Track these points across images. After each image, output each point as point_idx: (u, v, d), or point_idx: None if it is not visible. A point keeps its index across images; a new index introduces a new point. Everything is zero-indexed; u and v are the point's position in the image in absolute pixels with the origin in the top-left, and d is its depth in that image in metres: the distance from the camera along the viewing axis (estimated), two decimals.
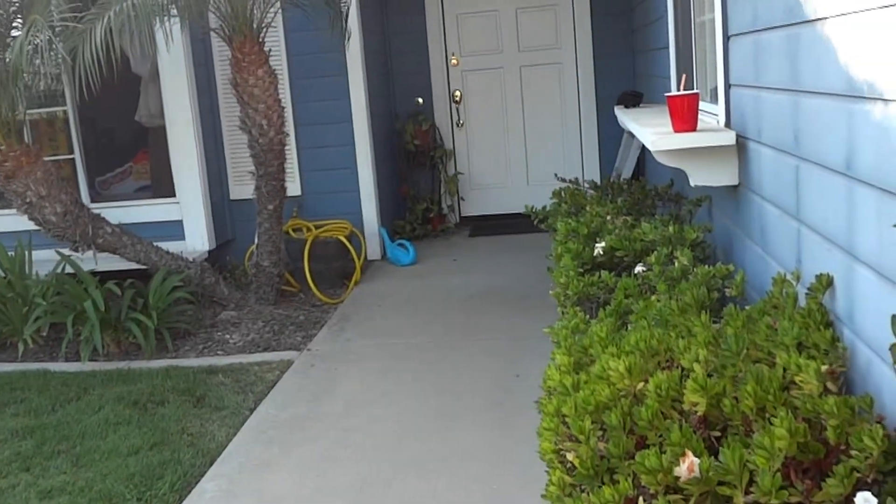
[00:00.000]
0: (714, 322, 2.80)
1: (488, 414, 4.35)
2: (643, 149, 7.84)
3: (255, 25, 5.93)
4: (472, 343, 5.42)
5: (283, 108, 6.27)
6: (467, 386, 4.73)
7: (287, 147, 6.46)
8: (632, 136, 8.05)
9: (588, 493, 2.02)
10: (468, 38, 8.99)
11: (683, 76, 4.42)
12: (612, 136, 8.71)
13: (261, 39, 6.02)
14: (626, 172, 7.61)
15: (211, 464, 4.04)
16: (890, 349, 1.44)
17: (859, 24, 2.40)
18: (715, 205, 4.55)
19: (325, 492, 3.74)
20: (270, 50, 6.19)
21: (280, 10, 6.41)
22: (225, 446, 4.24)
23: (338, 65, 7.35)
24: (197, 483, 3.90)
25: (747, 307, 2.92)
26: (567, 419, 2.20)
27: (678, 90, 3.99)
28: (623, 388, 2.30)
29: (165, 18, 5.47)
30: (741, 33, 3.79)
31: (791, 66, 3.05)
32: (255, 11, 5.90)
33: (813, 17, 2.77)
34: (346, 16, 6.52)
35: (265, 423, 4.50)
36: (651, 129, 4.09)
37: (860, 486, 2.00)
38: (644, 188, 5.79)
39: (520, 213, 8.60)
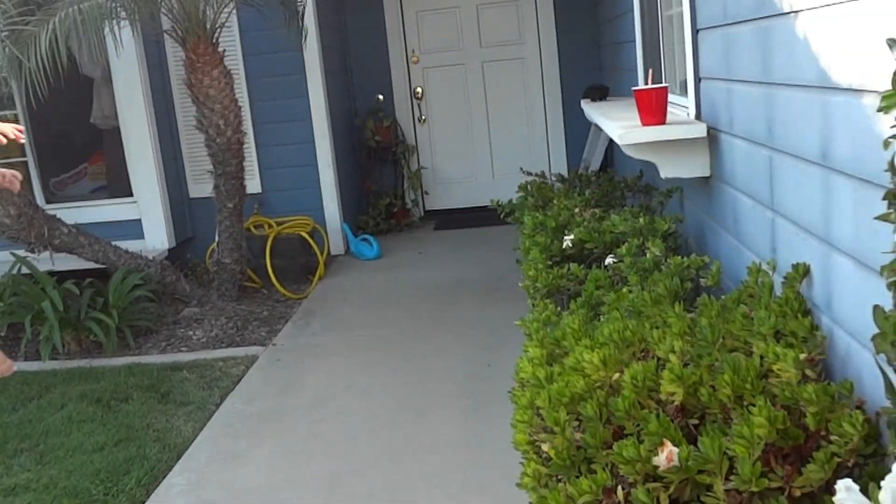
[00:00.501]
0: (689, 312, 2.80)
1: (459, 403, 4.35)
2: (611, 141, 7.87)
3: (208, 26, 5.89)
4: (441, 334, 5.40)
5: (241, 107, 6.25)
6: (437, 377, 4.72)
7: (246, 145, 6.43)
8: (599, 128, 8.08)
9: (564, 484, 2.00)
10: (429, 35, 8.97)
11: (650, 71, 4.43)
12: (578, 129, 8.72)
13: (215, 40, 5.98)
14: (595, 164, 7.62)
15: (178, 458, 4.00)
16: (872, 339, 1.43)
17: (835, 15, 2.41)
18: (686, 196, 4.56)
19: (296, 483, 3.72)
20: (225, 50, 6.16)
21: (234, 10, 6.34)
22: (192, 441, 4.20)
23: (295, 63, 7.32)
24: (164, 477, 3.86)
25: (722, 297, 2.92)
26: (541, 411, 2.18)
27: (645, 84, 3.98)
28: (598, 379, 2.29)
29: (114, 22, 5.43)
30: (710, 27, 3.79)
31: (763, 58, 3.06)
32: (207, 12, 5.86)
33: (786, 10, 2.77)
34: (303, 15, 6.48)
35: (232, 417, 4.46)
36: (618, 123, 4.09)
37: (841, 470, 2.01)
38: (613, 180, 5.80)
39: (485, 207, 8.63)
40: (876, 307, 1.47)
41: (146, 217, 7.00)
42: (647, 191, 5.51)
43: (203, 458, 4.02)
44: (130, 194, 7.01)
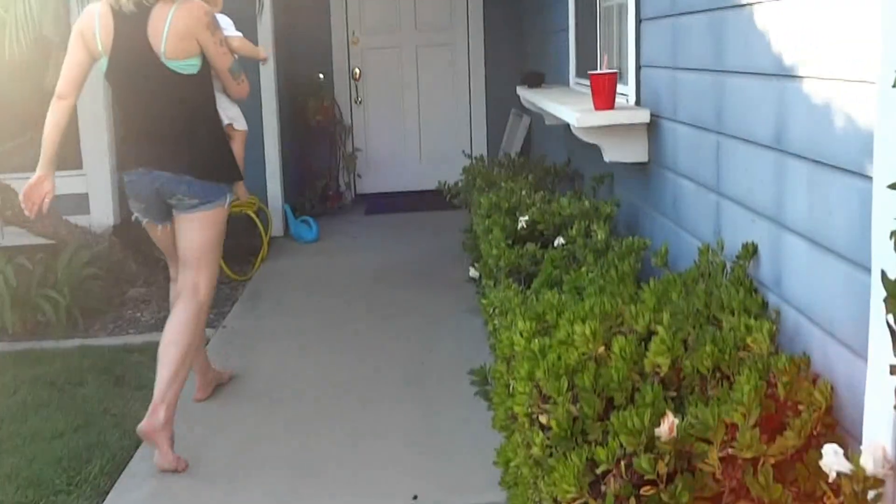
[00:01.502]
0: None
1: (407, 387, 4.45)
2: (530, 127, 8.05)
3: None
4: (384, 320, 5.49)
5: None
6: (384, 360, 4.81)
7: None
8: (519, 115, 8.26)
9: (566, 454, 2.13)
10: (369, 17, 9.03)
11: (605, 56, 4.58)
12: (498, 116, 8.91)
13: None
14: (514, 150, 7.79)
15: (138, 445, 3.94)
16: (883, 301, 1.59)
17: (795, 6, 2.57)
18: (617, 182, 4.73)
19: (258, 467, 3.75)
20: None
21: None
22: None
23: (249, 38, 7.21)
24: (127, 465, 3.82)
25: (675, 275, 3.07)
26: (540, 383, 2.30)
27: (600, 69, 4.13)
28: (587, 351, 2.42)
29: None
30: (656, 17, 3.96)
31: (715, 47, 3.22)
32: None
33: (742, 2, 2.94)
34: None
35: (189, 401, 4.41)
36: (571, 107, 4.23)
37: (809, 439, 2.18)
38: (544, 166, 5.97)
39: (413, 191, 8.79)
40: (883, 273, 1.63)
41: (94, 191, 6.82)
42: (573, 177, 5.70)
43: None
44: (80, 167, 6.83)
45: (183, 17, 3.73)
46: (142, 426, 3.69)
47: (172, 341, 3.84)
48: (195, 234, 3.94)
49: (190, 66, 3.80)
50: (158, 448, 3.67)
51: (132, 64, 3.82)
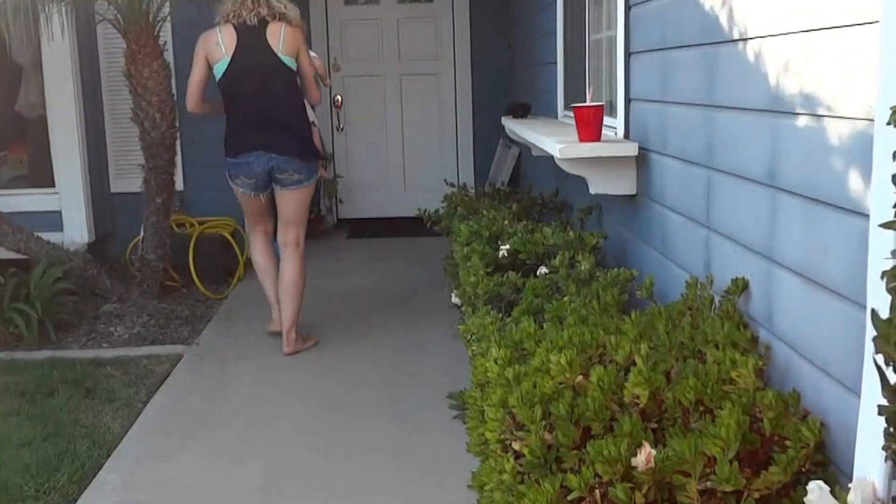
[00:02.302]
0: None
1: (385, 410, 4.39)
2: (519, 158, 8.03)
3: (150, 18, 5.86)
4: (363, 342, 5.43)
5: (176, 102, 6.17)
6: (361, 383, 4.76)
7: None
8: (507, 146, 8.25)
9: (539, 482, 2.07)
10: (351, 45, 9.01)
11: (591, 88, 4.56)
12: (486, 146, 8.89)
13: (156, 32, 5.95)
14: (503, 180, 7.76)
15: (108, 455, 3.94)
16: (872, 340, 1.55)
17: (791, 43, 2.54)
18: (605, 213, 4.70)
19: (229, 484, 3.70)
20: (166, 42, 6.12)
21: (170, 4, 6.29)
22: (121, 438, 4.14)
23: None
24: (96, 475, 3.80)
25: (661, 307, 3.03)
26: (514, 409, 2.25)
27: (587, 101, 4.10)
28: (563, 380, 2.36)
29: (52, 7, 5.36)
30: (645, 51, 3.94)
31: (706, 82, 3.19)
32: (151, 3, 5.83)
33: (735, 37, 2.91)
34: None
35: (160, 415, 4.43)
36: (555, 139, 4.20)
37: (797, 475, 2.12)
38: (531, 196, 5.94)
39: (397, 217, 8.76)
40: (873, 311, 1.58)
41: (67, 209, 6.84)
42: (561, 208, 5.66)
43: (134, 457, 3.98)
44: (52, 185, 6.86)
45: (291, 31, 5.06)
46: (286, 350, 5.16)
47: (293, 281, 5.28)
48: (297, 204, 5.27)
49: (293, 62, 5.06)
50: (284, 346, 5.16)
51: (253, 59, 5.03)
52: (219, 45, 5.01)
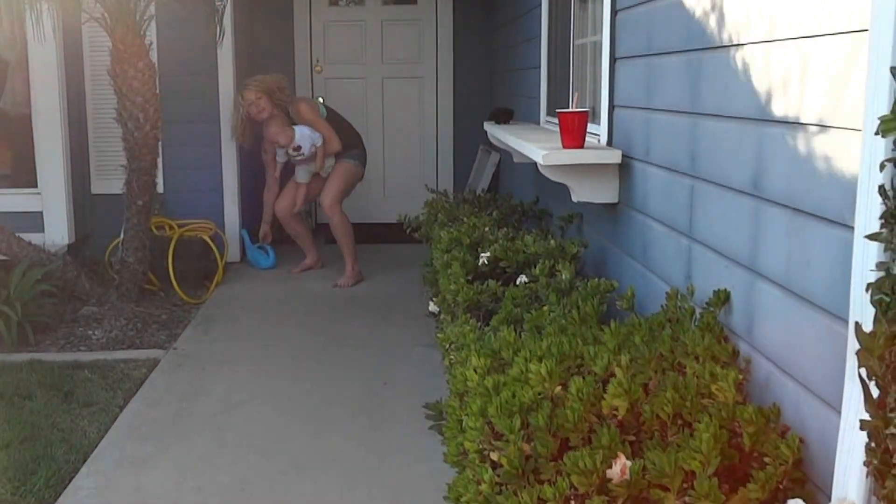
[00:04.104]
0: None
1: (361, 418, 4.34)
2: (499, 164, 7.99)
3: (137, 16, 5.82)
4: (339, 349, 5.38)
5: (160, 102, 6.12)
6: (337, 391, 4.70)
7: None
8: (488, 151, 8.20)
9: (516, 493, 2.02)
10: (333, 47, 8.94)
11: (576, 94, 4.52)
12: (466, 151, 8.84)
13: (142, 32, 5.91)
14: (482, 187, 7.71)
15: (84, 460, 3.90)
16: (855, 353, 1.51)
17: (772, 50, 2.51)
18: (586, 222, 4.66)
19: (206, 491, 3.65)
20: (152, 42, 6.07)
21: (156, 4, 6.25)
22: (97, 443, 4.09)
23: (209, 63, 7.21)
24: (72, 479, 3.75)
25: (641, 319, 2.99)
26: (492, 419, 2.20)
27: (572, 107, 4.06)
28: (542, 390, 2.32)
29: (40, 5, 5.31)
30: (631, 56, 3.90)
31: (691, 89, 3.15)
32: (138, 1, 5.80)
33: (722, 44, 2.87)
34: (222, 15, 6.43)
35: (137, 420, 4.37)
36: (538, 145, 4.16)
37: (775, 493, 2.08)
38: (511, 203, 5.90)
39: (375, 223, 8.67)
40: (857, 325, 1.55)
41: (48, 210, 6.78)
42: (541, 216, 5.63)
43: (110, 462, 3.93)
44: (35, 185, 6.80)
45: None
46: (349, 282, 6.84)
47: (346, 233, 7.02)
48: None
49: None
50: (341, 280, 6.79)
51: None
52: None
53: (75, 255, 6.72)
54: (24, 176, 6.86)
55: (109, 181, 6.79)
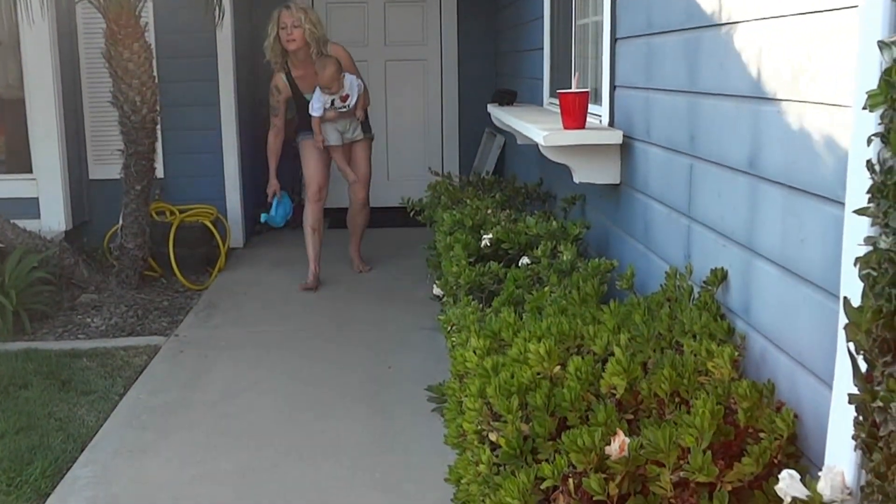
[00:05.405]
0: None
1: (364, 403, 4.35)
2: (504, 147, 7.99)
3: None
4: (343, 333, 5.39)
5: (157, 84, 6.09)
6: (341, 376, 4.70)
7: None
8: (493, 134, 8.20)
9: (514, 473, 2.04)
10: (336, 29, 8.90)
11: (577, 74, 4.52)
12: (472, 135, 8.82)
13: (138, 12, 5.85)
14: (487, 169, 7.71)
15: (82, 449, 3.88)
16: (844, 328, 1.53)
17: (774, 28, 2.51)
18: (589, 203, 4.67)
19: (206, 478, 3.64)
20: (147, 24, 6.01)
21: None
22: (96, 431, 4.07)
23: (208, 46, 7.17)
24: (69, 469, 3.73)
25: (640, 298, 3.01)
26: (491, 400, 2.22)
27: (573, 88, 4.06)
28: (541, 370, 2.34)
29: None
30: (631, 36, 3.90)
31: (689, 68, 3.16)
32: None
33: (719, 21, 2.88)
34: None
35: (137, 408, 4.35)
36: (540, 126, 4.17)
37: (769, 467, 2.10)
38: (515, 185, 5.91)
39: (380, 207, 8.66)
40: (846, 299, 1.57)
41: (44, 196, 6.76)
42: (545, 198, 5.64)
43: (109, 450, 3.91)
44: (30, 170, 6.77)
45: None
46: (358, 267, 6.84)
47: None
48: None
49: None
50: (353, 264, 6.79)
51: None
52: None
53: (73, 242, 6.69)
54: (19, 161, 6.84)
55: (107, 166, 6.78)
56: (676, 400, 2.27)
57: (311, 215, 6.59)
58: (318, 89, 6.19)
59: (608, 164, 4.05)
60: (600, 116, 4.29)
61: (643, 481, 2.03)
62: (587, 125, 4.05)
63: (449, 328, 3.32)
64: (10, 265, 5.61)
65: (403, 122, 9.05)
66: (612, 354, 2.41)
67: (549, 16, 5.84)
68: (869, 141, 1.57)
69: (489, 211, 4.59)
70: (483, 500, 2.13)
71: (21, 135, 6.77)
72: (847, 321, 1.55)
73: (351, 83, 6.28)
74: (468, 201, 4.95)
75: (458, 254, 3.88)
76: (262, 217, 6.79)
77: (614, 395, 2.25)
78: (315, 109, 6.27)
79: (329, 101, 6.24)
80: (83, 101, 7.19)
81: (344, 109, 6.31)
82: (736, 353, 2.36)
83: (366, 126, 6.68)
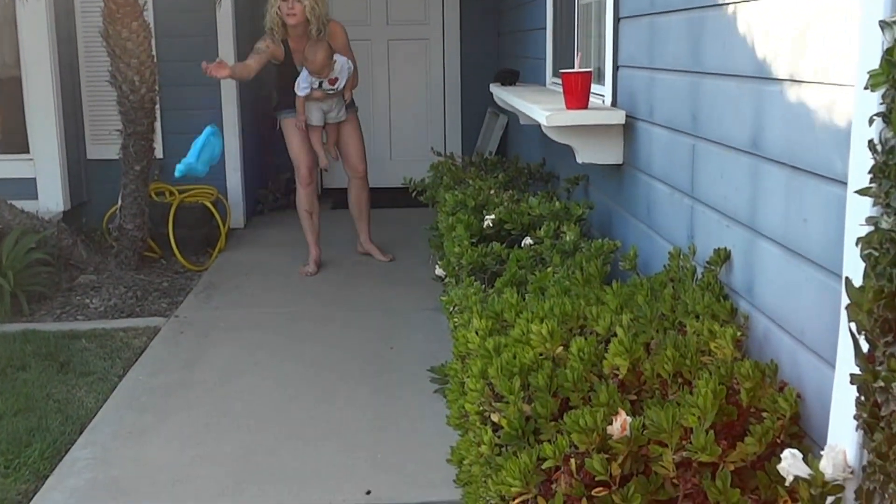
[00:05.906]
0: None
1: (366, 384, 4.34)
2: (507, 127, 7.97)
3: None
4: (344, 314, 5.39)
5: (156, 63, 6.06)
6: (343, 357, 4.69)
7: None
8: (496, 114, 8.18)
9: (516, 454, 2.05)
10: (337, 9, 8.84)
11: (580, 54, 4.50)
12: (475, 115, 8.80)
13: None
14: (490, 150, 7.70)
15: (81, 431, 3.86)
16: (845, 308, 1.54)
17: (770, 7, 2.50)
18: (592, 183, 4.66)
19: (207, 460, 3.63)
20: (146, 2, 5.96)
21: None
22: (95, 413, 4.06)
23: (207, 24, 7.13)
24: (68, 451, 3.72)
25: (643, 279, 3.01)
26: (493, 381, 2.23)
27: (576, 68, 4.05)
28: (544, 351, 2.34)
29: None
30: (634, 15, 3.89)
31: (692, 48, 3.15)
32: None
33: (722, 2, 2.86)
34: None
35: (136, 389, 4.34)
36: (542, 106, 4.15)
37: (772, 447, 2.11)
38: (517, 166, 5.90)
39: (382, 188, 8.65)
40: (847, 280, 1.57)
41: (42, 176, 6.74)
42: (547, 179, 5.63)
43: (108, 432, 3.90)
44: (27, 150, 6.74)
45: None
46: (363, 248, 6.70)
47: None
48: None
49: None
50: (374, 256, 6.56)
51: None
52: None
53: (71, 223, 6.66)
54: (16, 141, 6.80)
55: (106, 146, 6.75)
56: (679, 380, 2.28)
57: (304, 199, 6.42)
58: (304, 70, 6.08)
59: (611, 144, 4.05)
60: (603, 96, 4.28)
61: (646, 461, 2.03)
62: (590, 105, 4.04)
63: (451, 309, 3.32)
64: (7, 246, 5.57)
65: (406, 102, 9.03)
66: (615, 335, 2.41)
67: None
68: (871, 121, 1.57)
69: (492, 191, 4.58)
70: (485, 481, 2.14)
71: (18, 114, 6.74)
72: (849, 301, 1.55)
73: (341, 66, 6.13)
74: (471, 182, 4.94)
75: (460, 234, 3.88)
76: (179, 169, 5.78)
77: (617, 375, 2.26)
78: (301, 89, 6.09)
79: (317, 83, 6.11)
80: (81, 81, 7.15)
81: (331, 91, 6.17)
82: (739, 334, 2.36)
83: (352, 102, 6.45)
